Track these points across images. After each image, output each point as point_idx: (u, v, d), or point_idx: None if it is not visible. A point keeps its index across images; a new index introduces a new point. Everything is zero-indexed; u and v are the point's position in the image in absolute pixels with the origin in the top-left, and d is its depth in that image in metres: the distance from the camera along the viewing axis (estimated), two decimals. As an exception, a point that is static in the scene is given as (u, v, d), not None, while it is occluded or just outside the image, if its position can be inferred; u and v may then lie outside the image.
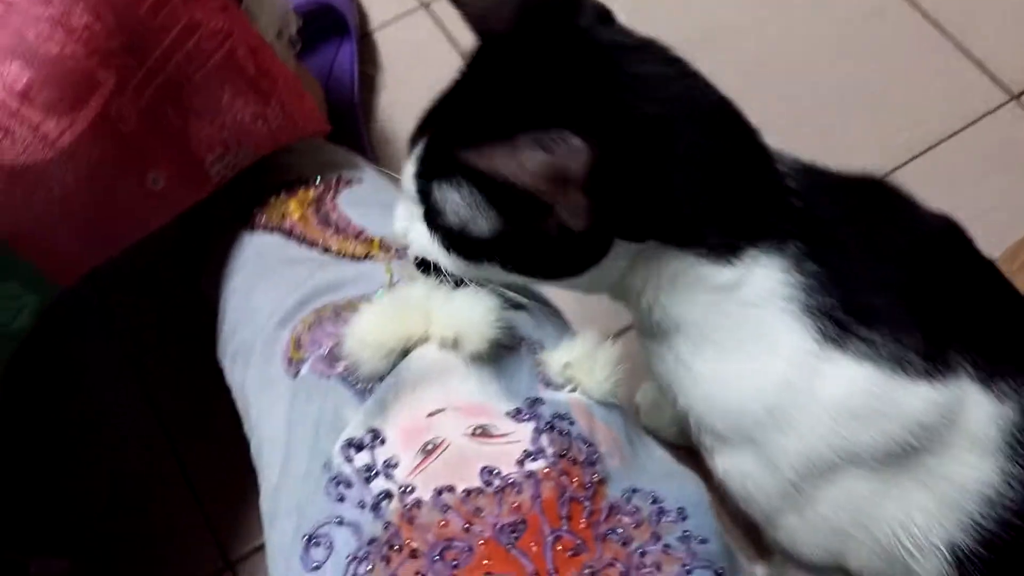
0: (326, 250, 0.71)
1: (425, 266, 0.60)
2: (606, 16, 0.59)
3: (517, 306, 0.65)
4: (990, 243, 0.66)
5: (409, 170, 0.58)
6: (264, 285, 0.69)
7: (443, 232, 0.56)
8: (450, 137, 0.55)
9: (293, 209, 0.76)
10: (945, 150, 1.09)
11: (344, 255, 0.71)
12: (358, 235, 0.73)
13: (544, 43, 0.57)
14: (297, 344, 0.62)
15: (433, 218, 0.56)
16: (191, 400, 0.93)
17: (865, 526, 0.57)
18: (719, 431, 0.58)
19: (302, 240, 0.73)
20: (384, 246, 0.71)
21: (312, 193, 0.77)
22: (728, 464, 0.59)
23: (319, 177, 0.79)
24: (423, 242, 0.59)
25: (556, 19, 0.58)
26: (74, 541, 0.87)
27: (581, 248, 0.55)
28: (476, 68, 0.59)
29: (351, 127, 1.08)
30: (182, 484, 0.93)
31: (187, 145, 0.71)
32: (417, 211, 0.59)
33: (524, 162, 0.47)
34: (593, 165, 0.48)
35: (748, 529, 0.79)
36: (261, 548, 0.62)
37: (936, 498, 0.55)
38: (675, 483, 0.53)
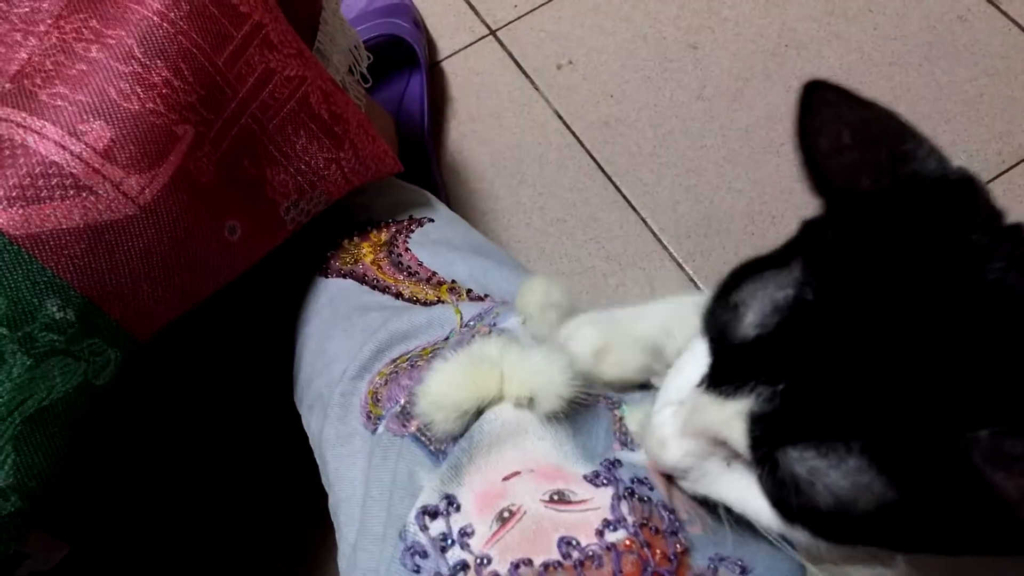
0: (399, 296, 0.71)
1: (708, 504, 0.50)
2: (997, 222, 0.44)
3: None
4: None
5: (732, 424, 0.44)
6: (339, 334, 0.69)
7: (794, 507, 0.43)
8: (836, 397, 0.41)
9: (366, 253, 0.76)
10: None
11: (416, 300, 0.70)
12: (429, 279, 0.72)
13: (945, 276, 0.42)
14: (375, 399, 0.61)
15: (778, 490, 0.43)
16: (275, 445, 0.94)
17: None
18: None
19: (375, 285, 0.73)
20: (454, 289, 0.71)
21: (384, 236, 0.77)
22: None
23: (391, 219, 0.79)
24: (732, 493, 0.47)
25: (947, 222, 0.43)
26: None
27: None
28: (837, 283, 0.43)
29: (421, 159, 1.08)
30: (268, 534, 0.94)
31: (262, 193, 0.71)
32: (735, 461, 0.47)
33: None
34: None
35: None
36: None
37: None
38: (764, 553, 0.51)
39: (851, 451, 0.41)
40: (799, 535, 0.45)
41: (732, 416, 0.44)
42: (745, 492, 0.46)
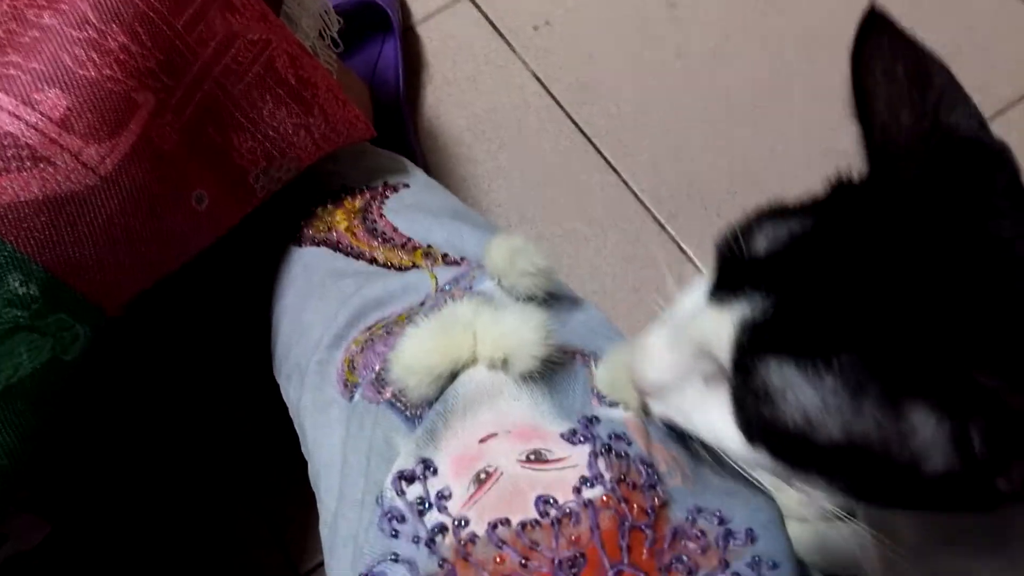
0: (372, 261, 0.70)
1: (675, 431, 0.51)
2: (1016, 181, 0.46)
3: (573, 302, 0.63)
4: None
5: (721, 331, 0.45)
6: (313, 302, 0.68)
7: (759, 422, 0.44)
8: (827, 313, 0.42)
9: (340, 220, 0.75)
10: (1018, 113, 1.03)
11: (390, 265, 0.69)
12: (404, 245, 0.71)
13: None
14: (351, 366, 0.60)
15: (748, 401, 0.44)
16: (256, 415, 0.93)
17: None
18: None
19: (348, 252, 0.72)
20: (429, 254, 0.69)
21: (358, 203, 0.76)
22: None
23: (365, 186, 0.77)
24: (701, 416, 0.48)
25: (974, 180, 0.44)
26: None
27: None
28: (857, 218, 0.45)
29: (398, 125, 1.06)
30: (252, 502, 0.93)
31: (230, 161, 0.70)
32: (712, 381, 0.47)
33: None
34: None
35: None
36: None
37: None
38: (743, 501, 0.50)
39: (831, 369, 0.41)
40: (759, 456, 0.45)
41: (723, 322, 0.44)
42: (715, 415, 0.47)
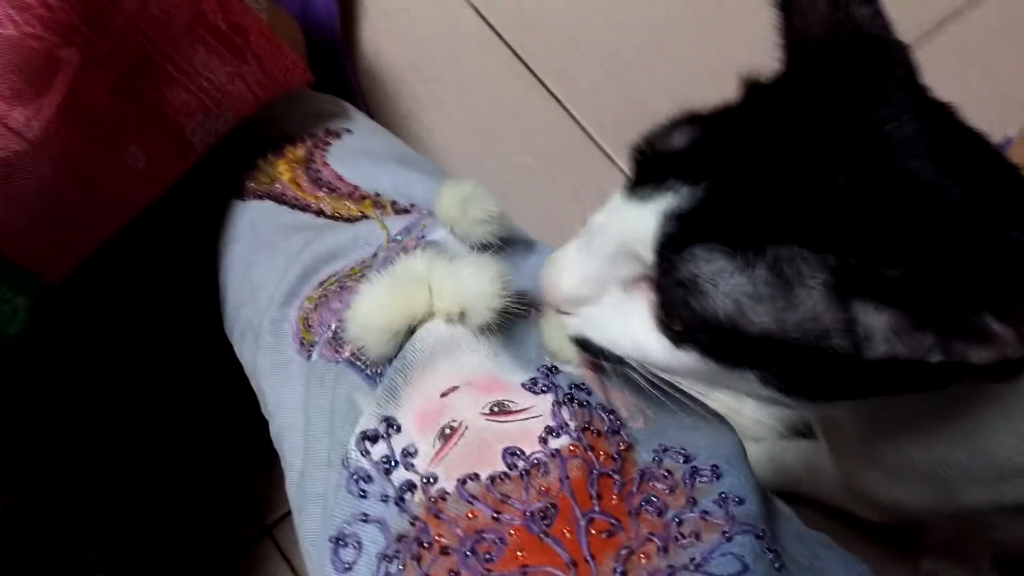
0: (319, 213, 0.69)
1: (587, 347, 0.50)
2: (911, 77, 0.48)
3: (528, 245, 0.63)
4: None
5: (644, 226, 0.44)
6: (263, 259, 0.67)
7: (688, 320, 0.43)
8: (757, 201, 0.42)
9: (282, 171, 0.73)
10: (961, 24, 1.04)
11: (339, 217, 0.68)
12: (351, 193, 0.70)
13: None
14: (307, 324, 0.59)
15: (675, 293, 0.43)
16: (197, 373, 0.92)
17: None
18: None
19: (295, 204, 0.70)
20: (378, 203, 0.68)
21: (301, 151, 0.74)
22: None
23: (306, 133, 0.75)
24: (621, 325, 0.47)
25: (871, 72, 0.46)
26: (105, 525, 0.87)
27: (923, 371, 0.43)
28: (774, 111, 0.46)
29: (335, 65, 1.03)
30: (212, 458, 0.93)
31: (164, 116, 0.67)
32: (631, 287, 0.47)
33: None
34: None
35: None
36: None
37: None
38: (705, 435, 0.51)
39: (763, 258, 0.41)
40: (689, 359, 0.45)
41: (645, 215, 0.44)
42: (635, 323, 0.46)
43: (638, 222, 0.44)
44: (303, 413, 0.57)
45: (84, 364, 0.89)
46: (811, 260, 0.41)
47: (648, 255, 0.44)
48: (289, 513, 0.91)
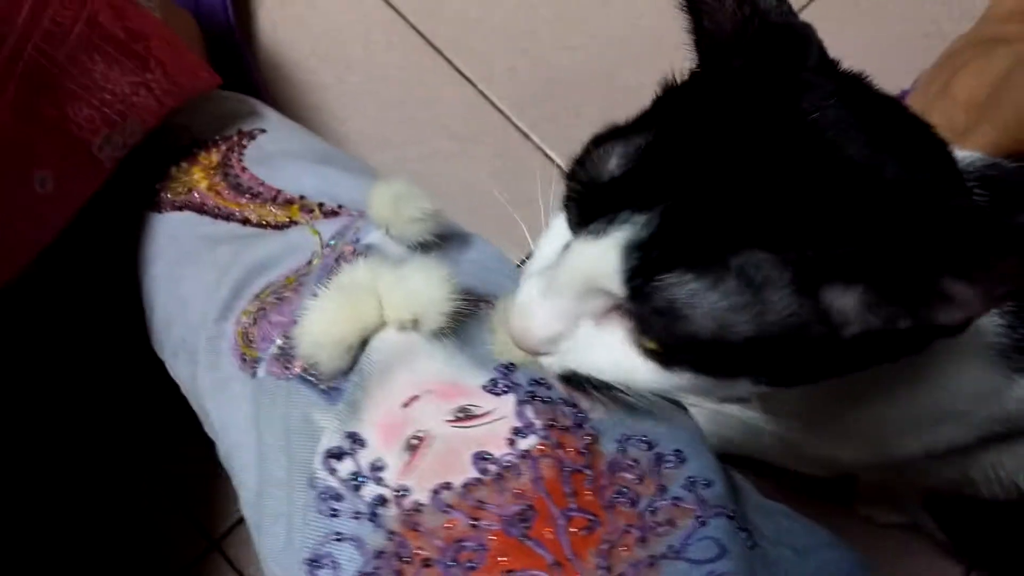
0: (245, 222, 0.66)
1: (573, 379, 0.49)
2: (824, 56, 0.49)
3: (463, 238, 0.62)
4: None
5: (607, 262, 0.43)
6: (189, 273, 0.64)
7: (673, 345, 0.44)
8: (722, 219, 0.42)
9: (199, 179, 0.70)
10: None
11: (266, 224, 0.66)
12: (275, 198, 0.67)
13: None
14: (247, 339, 0.57)
15: (655, 322, 0.43)
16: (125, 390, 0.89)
17: None
18: None
19: (217, 214, 0.67)
20: (305, 206, 0.66)
21: (215, 156, 0.71)
22: None
23: (217, 136, 0.72)
24: (603, 353, 0.47)
25: (785, 62, 0.47)
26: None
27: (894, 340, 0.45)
28: (701, 110, 0.46)
29: (234, 60, 0.99)
30: (153, 476, 0.90)
31: (69, 133, 0.63)
32: (603, 319, 0.46)
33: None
34: None
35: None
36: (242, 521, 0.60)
37: None
38: (661, 420, 0.52)
39: (729, 270, 0.42)
40: (681, 379, 0.46)
41: (606, 251, 0.43)
42: (619, 351, 0.46)
43: (600, 259, 0.43)
44: (255, 431, 0.55)
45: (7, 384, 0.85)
46: (772, 261, 0.41)
47: (618, 289, 0.44)
48: (238, 523, 0.90)
